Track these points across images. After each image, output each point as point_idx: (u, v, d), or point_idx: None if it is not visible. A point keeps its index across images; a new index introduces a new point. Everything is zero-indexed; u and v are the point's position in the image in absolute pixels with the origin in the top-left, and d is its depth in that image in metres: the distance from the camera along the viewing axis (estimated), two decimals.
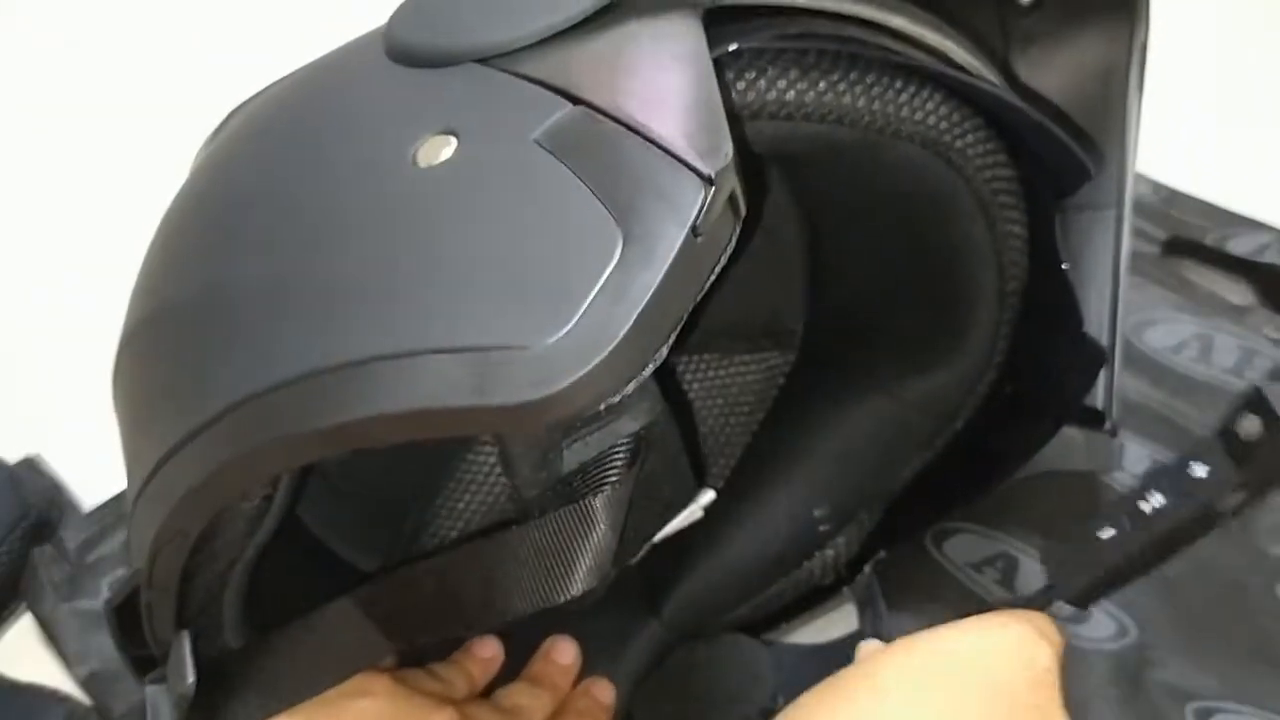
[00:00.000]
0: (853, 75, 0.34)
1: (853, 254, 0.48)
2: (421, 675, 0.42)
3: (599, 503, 0.36)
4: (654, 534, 0.40)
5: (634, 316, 0.25)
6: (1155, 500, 0.34)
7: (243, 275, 0.30)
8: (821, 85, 0.34)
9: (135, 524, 0.33)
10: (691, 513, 0.46)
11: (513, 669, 0.45)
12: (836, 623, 0.51)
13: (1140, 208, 0.67)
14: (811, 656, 0.48)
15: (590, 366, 0.25)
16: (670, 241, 0.25)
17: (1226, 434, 0.31)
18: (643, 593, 0.47)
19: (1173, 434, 0.57)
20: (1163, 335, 0.61)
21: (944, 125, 0.37)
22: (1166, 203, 0.68)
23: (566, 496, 0.36)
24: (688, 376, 0.50)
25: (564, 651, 0.46)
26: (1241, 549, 0.53)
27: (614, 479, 0.36)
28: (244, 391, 0.28)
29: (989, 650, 0.33)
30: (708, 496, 0.45)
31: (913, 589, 0.50)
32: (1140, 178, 0.68)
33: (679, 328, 0.27)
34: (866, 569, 0.49)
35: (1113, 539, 0.34)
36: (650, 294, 0.25)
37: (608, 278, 0.25)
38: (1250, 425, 0.32)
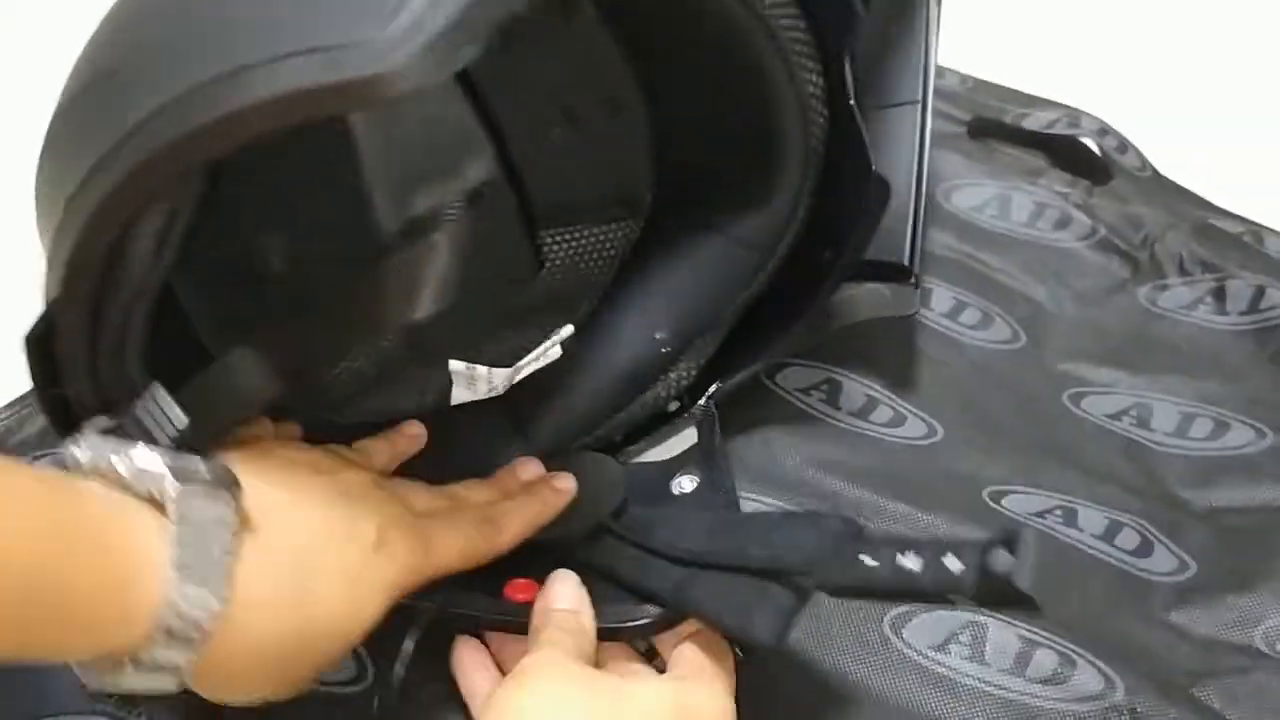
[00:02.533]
0: None
1: (684, 111, 0.54)
2: (343, 449, 0.47)
3: (441, 235, 0.44)
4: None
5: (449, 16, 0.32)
6: (910, 562, 0.39)
7: (151, 33, 0.37)
8: None
9: (52, 261, 0.38)
10: (550, 348, 0.53)
11: None
12: (677, 445, 0.57)
13: (948, 96, 0.76)
14: (656, 469, 0.54)
15: (419, 46, 0.32)
16: None
17: (987, 549, 0.37)
18: (509, 421, 0.54)
19: (973, 279, 0.66)
20: (967, 197, 0.70)
21: None
22: (971, 90, 0.76)
23: (419, 234, 0.44)
24: (547, 249, 0.57)
25: (527, 468, 0.51)
26: (1035, 366, 0.62)
27: (453, 218, 0.44)
28: (139, 116, 0.35)
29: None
30: (567, 330, 0.51)
31: (746, 410, 0.57)
32: (948, 70, 0.77)
33: (491, 33, 0.33)
34: (705, 398, 0.55)
35: (870, 569, 0.40)
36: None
37: None
38: (1002, 560, 0.37)
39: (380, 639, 0.43)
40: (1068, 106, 0.74)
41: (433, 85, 0.32)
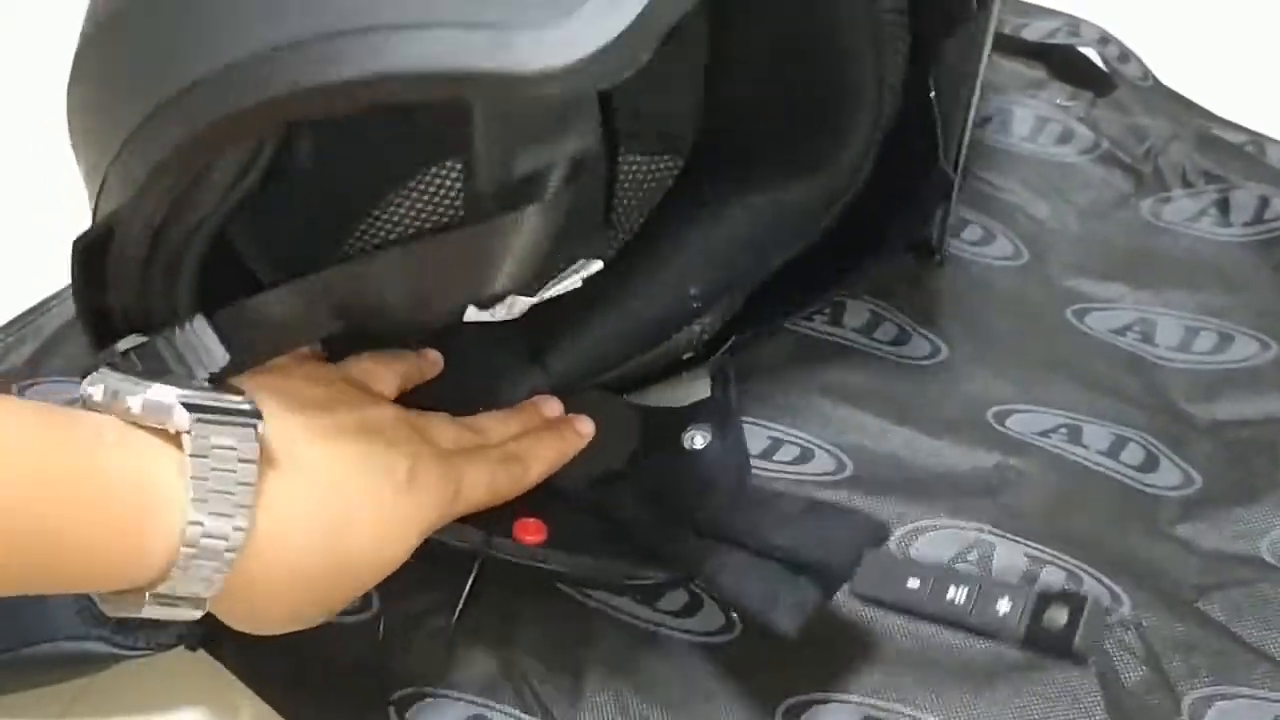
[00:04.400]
0: None
1: (749, 62, 0.53)
2: (354, 366, 0.46)
3: (534, 209, 0.40)
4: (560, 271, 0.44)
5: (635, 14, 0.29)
6: (957, 595, 0.38)
7: None
8: None
9: (118, 173, 0.36)
10: (572, 281, 0.52)
11: None
12: (688, 394, 0.56)
13: None
14: (668, 417, 0.53)
15: (602, 45, 0.29)
16: None
17: (1042, 600, 0.36)
18: (528, 347, 0.53)
19: (974, 196, 0.64)
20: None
21: None
22: None
23: (509, 204, 0.41)
24: None
25: (550, 406, 0.51)
26: (1038, 282, 0.61)
27: (550, 194, 0.41)
28: (251, 49, 0.32)
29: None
30: (595, 266, 0.50)
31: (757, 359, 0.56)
32: None
33: (665, 35, 0.31)
34: (721, 351, 0.55)
35: (913, 591, 0.39)
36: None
37: None
38: (1057, 615, 0.36)
39: None
40: (1067, 15, 0.73)
41: (596, 88, 0.30)
